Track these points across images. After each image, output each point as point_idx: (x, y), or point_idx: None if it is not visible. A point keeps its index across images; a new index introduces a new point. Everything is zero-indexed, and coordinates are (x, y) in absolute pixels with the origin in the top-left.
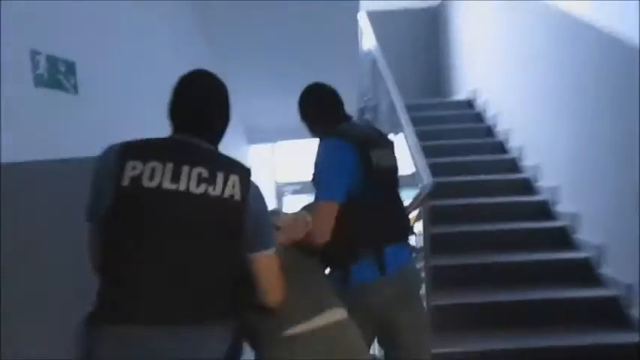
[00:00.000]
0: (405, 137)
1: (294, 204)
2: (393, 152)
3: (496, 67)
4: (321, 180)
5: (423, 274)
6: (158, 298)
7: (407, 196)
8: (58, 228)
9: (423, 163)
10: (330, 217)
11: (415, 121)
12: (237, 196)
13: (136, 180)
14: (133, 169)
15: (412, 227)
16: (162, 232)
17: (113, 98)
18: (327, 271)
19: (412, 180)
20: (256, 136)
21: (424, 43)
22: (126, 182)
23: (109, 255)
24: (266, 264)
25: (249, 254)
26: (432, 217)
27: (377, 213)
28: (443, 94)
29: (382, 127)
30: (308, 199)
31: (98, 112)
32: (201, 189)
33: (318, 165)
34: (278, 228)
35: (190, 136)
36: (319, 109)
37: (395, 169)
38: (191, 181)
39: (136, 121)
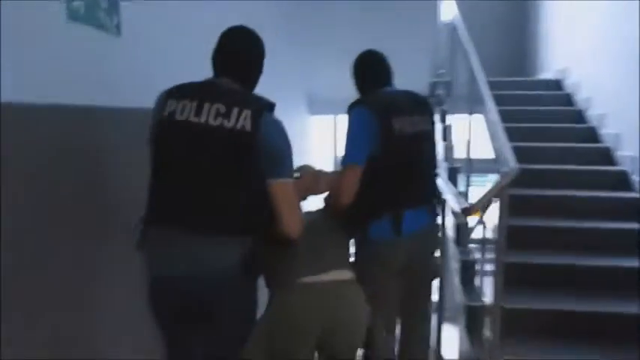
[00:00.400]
0: (485, 116)
1: None
2: (426, 119)
3: (593, 45)
4: (345, 146)
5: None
6: (181, 208)
7: (486, 182)
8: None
9: (506, 145)
10: (352, 180)
11: (495, 100)
12: (248, 128)
13: (172, 114)
14: (170, 105)
15: (438, 192)
16: (187, 156)
17: (160, 43)
18: (352, 231)
19: (491, 164)
20: (318, 107)
21: (508, 15)
22: (164, 116)
23: (152, 172)
24: (281, 191)
25: (267, 180)
26: (512, 208)
27: (398, 177)
28: (527, 72)
29: (456, 104)
30: None
31: (142, 58)
32: (218, 122)
33: (346, 133)
34: (298, 177)
35: (223, 78)
36: (363, 76)
37: (425, 135)
38: (210, 115)
39: (182, 69)
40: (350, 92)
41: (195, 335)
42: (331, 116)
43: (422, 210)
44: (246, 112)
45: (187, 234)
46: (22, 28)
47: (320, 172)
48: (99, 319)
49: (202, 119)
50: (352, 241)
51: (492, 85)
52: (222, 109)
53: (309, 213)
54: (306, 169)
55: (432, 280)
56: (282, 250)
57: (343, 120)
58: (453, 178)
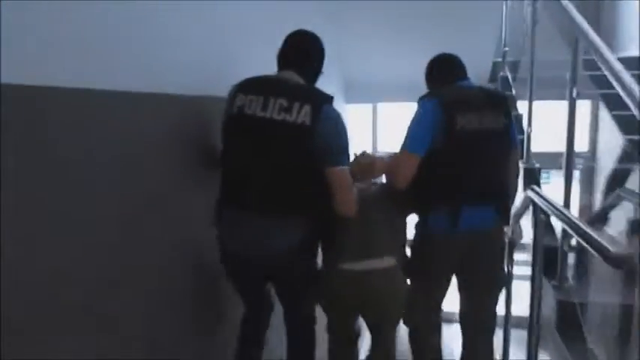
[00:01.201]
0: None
1: None
2: (498, 116)
3: None
4: (405, 134)
5: None
6: (250, 193)
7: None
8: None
9: None
10: (407, 165)
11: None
12: (307, 122)
13: (241, 109)
14: (239, 100)
15: (507, 192)
16: (254, 146)
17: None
18: (414, 218)
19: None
20: (355, 95)
21: None
22: (234, 110)
23: (223, 160)
24: (337, 177)
25: (326, 167)
26: None
27: (458, 172)
28: None
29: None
30: None
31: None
32: (281, 116)
33: (410, 122)
34: (355, 159)
35: (287, 71)
36: (434, 71)
37: (494, 132)
38: (274, 110)
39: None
40: (389, 80)
41: (265, 287)
42: (369, 105)
43: (485, 208)
44: (307, 108)
45: (255, 216)
46: None
47: (377, 158)
48: None
49: (267, 114)
50: (408, 225)
51: (564, 66)
52: (285, 103)
53: (370, 186)
54: (364, 155)
55: (497, 290)
56: (335, 232)
57: (383, 108)
58: (531, 180)
